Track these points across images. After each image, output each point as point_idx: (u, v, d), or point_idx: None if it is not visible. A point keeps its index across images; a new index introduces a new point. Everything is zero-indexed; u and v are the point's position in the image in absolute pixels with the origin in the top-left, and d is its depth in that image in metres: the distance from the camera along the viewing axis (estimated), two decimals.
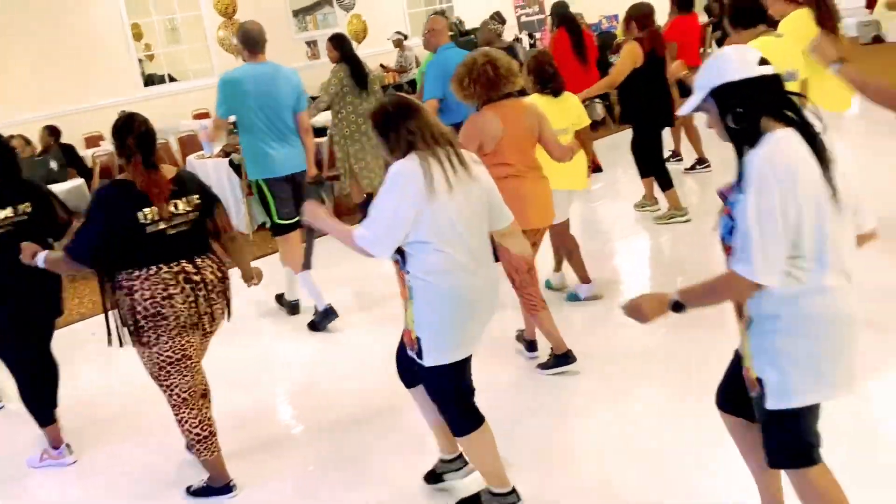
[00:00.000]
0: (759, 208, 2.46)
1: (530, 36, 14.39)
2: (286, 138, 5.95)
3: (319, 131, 8.41)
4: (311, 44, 13.33)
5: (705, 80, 2.61)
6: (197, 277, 3.80)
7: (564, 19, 9.33)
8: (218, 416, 4.11)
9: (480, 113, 4.55)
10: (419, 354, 3.36)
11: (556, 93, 5.55)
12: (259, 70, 5.87)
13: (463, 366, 3.46)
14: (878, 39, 15.46)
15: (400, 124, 3.30)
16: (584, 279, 5.88)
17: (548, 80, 5.54)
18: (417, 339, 3.35)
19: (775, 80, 2.58)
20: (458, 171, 3.29)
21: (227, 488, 4.07)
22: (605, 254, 6.91)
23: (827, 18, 5.82)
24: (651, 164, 7.35)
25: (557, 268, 6.10)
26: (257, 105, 5.81)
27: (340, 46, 7.52)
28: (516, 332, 5.25)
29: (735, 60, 2.57)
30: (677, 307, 2.63)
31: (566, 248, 5.84)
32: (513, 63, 4.53)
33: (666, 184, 7.29)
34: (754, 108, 2.55)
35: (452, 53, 6.60)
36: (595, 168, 9.37)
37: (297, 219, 5.98)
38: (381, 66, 12.95)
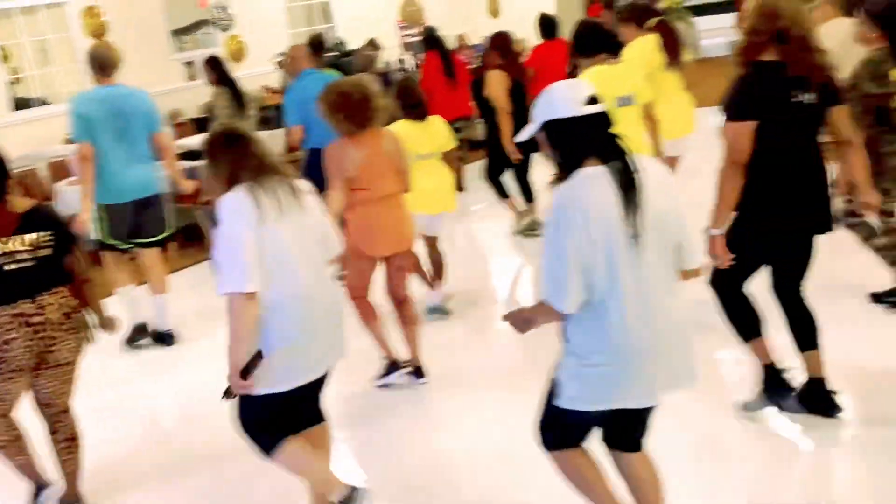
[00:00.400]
0: (551, 241, 2.69)
1: (415, 56, 14.45)
2: (139, 162, 5.85)
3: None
4: (190, 64, 13.05)
5: (538, 112, 2.78)
6: (37, 318, 3.60)
7: (433, 42, 9.42)
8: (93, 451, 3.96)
9: (339, 141, 4.57)
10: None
11: (421, 117, 5.59)
12: (109, 93, 5.76)
13: (297, 394, 3.39)
14: None
15: (227, 153, 3.26)
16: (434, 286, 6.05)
17: (414, 105, 5.56)
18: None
19: (601, 119, 2.72)
20: (288, 201, 3.25)
21: None
22: (485, 274, 7.00)
23: (671, 45, 6.06)
24: (494, 180, 7.61)
25: (433, 285, 6.12)
26: (108, 128, 5.70)
27: (216, 69, 7.40)
28: (402, 363, 5.22)
29: (563, 98, 2.73)
30: (534, 321, 2.93)
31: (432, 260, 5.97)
32: (377, 92, 4.60)
33: (502, 193, 7.62)
34: (578, 145, 2.71)
35: (312, 80, 6.61)
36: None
37: (133, 242, 5.96)
38: (264, 87, 12.78)
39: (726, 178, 3.73)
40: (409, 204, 4.98)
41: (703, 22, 19.93)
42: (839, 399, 4.05)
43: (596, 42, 5.34)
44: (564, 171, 2.73)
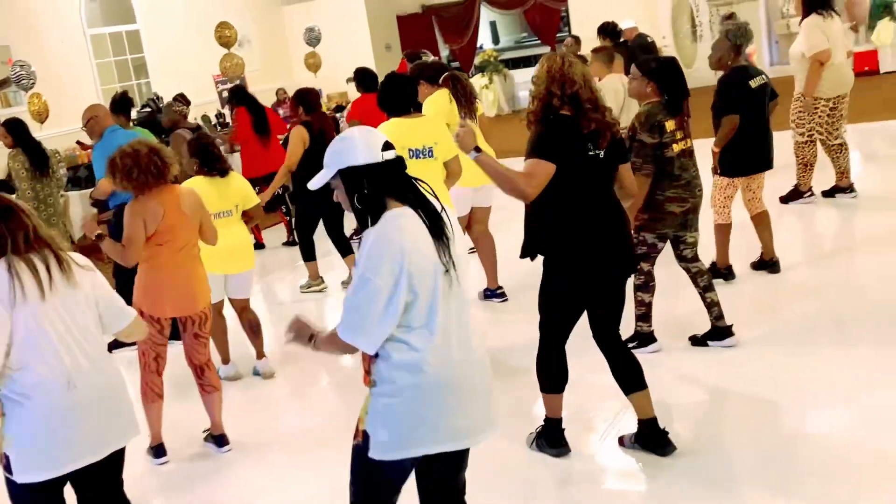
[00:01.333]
0: (363, 279, 2.70)
1: (232, 111, 14.25)
2: None
3: None
4: None
5: (332, 159, 2.80)
6: None
7: (243, 99, 9.36)
8: None
9: (139, 200, 4.48)
10: (7, 468, 3.09)
11: (222, 173, 5.51)
12: None
13: (59, 485, 3.20)
14: None
15: None
16: (224, 359, 5.83)
17: (212, 162, 5.48)
18: (5, 454, 3.08)
19: (397, 164, 2.80)
20: (56, 278, 3.07)
21: None
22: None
23: (462, 98, 6.29)
24: (304, 240, 7.50)
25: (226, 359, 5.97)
26: None
27: (14, 131, 7.07)
28: (203, 431, 5.06)
29: (359, 146, 2.76)
30: (314, 343, 2.94)
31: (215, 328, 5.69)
32: (168, 151, 4.57)
33: (308, 255, 7.49)
34: (377, 190, 2.76)
35: (116, 137, 6.41)
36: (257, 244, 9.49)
37: None
38: (78, 142, 12.30)
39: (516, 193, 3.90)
40: (206, 263, 4.88)
41: (519, 75, 20.72)
42: (671, 437, 4.20)
43: (401, 102, 5.46)
44: (365, 216, 2.77)
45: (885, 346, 4.92)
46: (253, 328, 5.86)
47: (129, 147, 4.50)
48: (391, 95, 5.45)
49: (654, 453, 4.16)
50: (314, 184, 2.86)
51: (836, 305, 5.67)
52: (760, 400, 4.62)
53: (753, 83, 5.95)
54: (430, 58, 11.17)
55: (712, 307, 5.22)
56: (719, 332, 5.21)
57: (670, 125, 4.86)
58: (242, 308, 5.86)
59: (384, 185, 2.76)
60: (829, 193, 7.84)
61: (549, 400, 4.26)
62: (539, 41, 21.04)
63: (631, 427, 4.29)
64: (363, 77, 9.11)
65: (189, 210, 4.64)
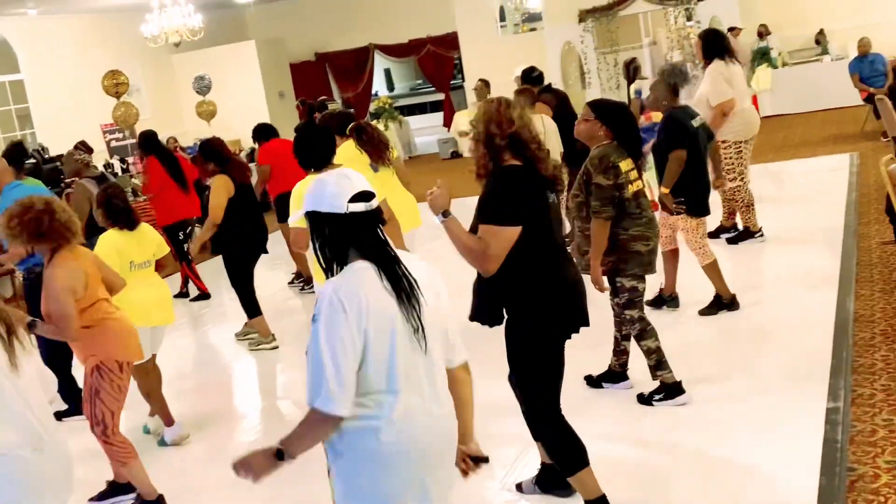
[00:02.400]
0: (329, 338, 2.48)
1: (122, 161, 13.95)
2: None
3: None
4: None
5: (305, 199, 2.68)
6: None
7: (152, 147, 9.12)
8: None
9: (61, 265, 4.26)
10: None
11: (131, 225, 5.32)
12: None
13: None
14: (455, 154, 16.89)
15: None
16: (168, 421, 5.46)
17: (119, 214, 5.29)
18: None
19: (365, 217, 2.63)
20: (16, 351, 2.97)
21: None
22: (206, 386, 6.69)
23: (369, 147, 6.23)
24: (243, 292, 7.18)
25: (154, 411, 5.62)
26: None
27: None
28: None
29: (327, 193, 2.63)
30: (281, 456, 2.55)
31: (147, 387, 5.45)
32: (68, 209, 4.38)
33: (253, 311, 7.17)
34: (339, 240, 2.63)
35: (19, 191, 6.12)
36: (203, 295, 9.24)
37: None
38: None
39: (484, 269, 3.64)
40: (133, 318, 4.70)
41: (415, 121, 20.91)
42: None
43: (321, 157, 5.18)
44: (329, 264, 2.66)
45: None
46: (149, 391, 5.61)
47: (22, 207, 4.25)
48: (307, 152, 5.23)
49: (556, 495, 4.12)
50: (291, 220, 2.76)
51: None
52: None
53: (694, 122, 6.07)
54: (337, 106, 11.19)
55: (621, 355, 5.20)
56: (615, 375, 5.23)
57: (624, 165, 4.81)
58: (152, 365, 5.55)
59: (347, 238, 2.62)
60: (714, 234, 7.91)
61: (581, 481, 3.74)
62: (433, 88, 21.32)
63: (528, 472, 4.25)
64: (262, 131, 9.16)
65: (92, 266, 4.46)
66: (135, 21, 13.96)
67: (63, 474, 3.10)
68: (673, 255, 6.39)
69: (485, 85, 11.58)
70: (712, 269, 6.18)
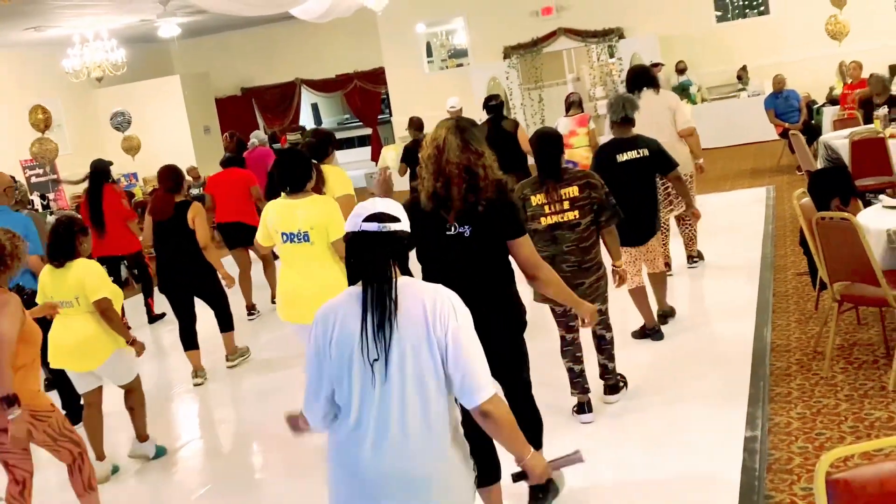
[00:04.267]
0: (307, 352, 2.71)
1: (42, 197, 13.66)
2: None
3: None
4: None
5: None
6: None
7: (106, 175, 8.99)
8: None
9: (7, 302, 4.16)
10: None
11: (59, 264, 5.19)
12: None
13: None
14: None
15: None
16: (99, 455, 5.47)
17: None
18: None
19: (374, 237, 2.68)
20: None
21: None
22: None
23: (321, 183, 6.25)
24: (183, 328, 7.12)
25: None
26: None
27: None
28: None
29: (354, 213, 2.73)
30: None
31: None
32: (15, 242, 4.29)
33: (188, 344, 7.09)
34: (351, 260, 2.73)
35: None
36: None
37: None
38: None
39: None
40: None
41: (343, 156, 20.88)
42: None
43: (299, 181, 5.18)
44: (349, 279, 2.75)
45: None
46: (129, 410, 5.58)
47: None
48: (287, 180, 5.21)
49: None
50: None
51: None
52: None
53: (622, 157, 6.03)
54: (262, 138, 11.13)
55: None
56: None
57: (536, 199, 4.90)
58: (125, 392, 5.54)
59: (355, 257, 2.71)
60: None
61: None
62: (360, 123, 21.35)
63: None
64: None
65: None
66: (56, 56, 13.74)
67: None
68: (641, 292, 6.25)
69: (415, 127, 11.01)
70: (640, 295, 6.25)
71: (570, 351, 5.16)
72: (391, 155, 14.93)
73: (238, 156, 9.62)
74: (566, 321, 5.11)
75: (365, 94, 19.98)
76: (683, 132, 7.45)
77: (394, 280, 2.65)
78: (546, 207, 4.87)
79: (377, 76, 19.22)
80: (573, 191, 4.90)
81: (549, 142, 4.97)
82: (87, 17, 12.81)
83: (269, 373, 7.13)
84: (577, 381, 5.15)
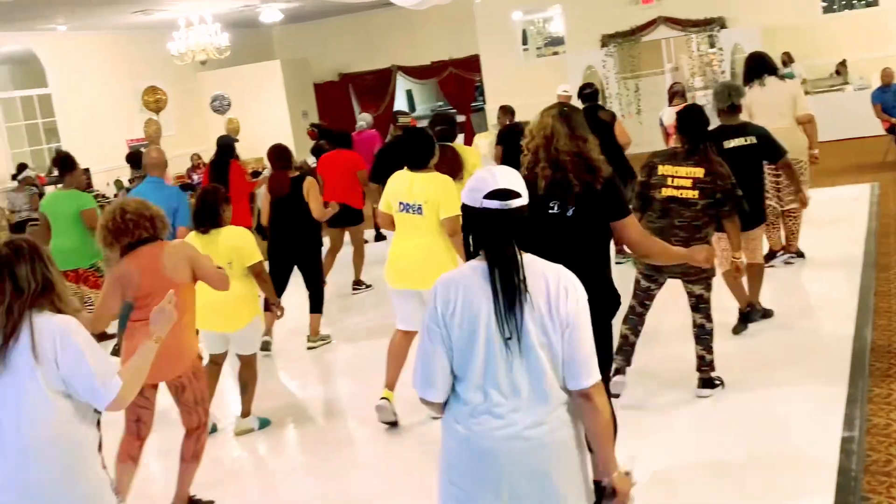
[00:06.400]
0: (424, 326, 2.66)
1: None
2: None
3: None
4: None
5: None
6: None
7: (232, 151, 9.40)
8: None
9: (117, 265, 4.38)
10: None
11: (205, 230, 5.50)
12: None
13: None
14: None
15: None
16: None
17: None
18: None
19: (496, 215, 2.62)
20: None
21: None
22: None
23: (451, 164, 6.45)
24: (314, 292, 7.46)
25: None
26: None
27: None
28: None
29: (470, 187, 2.68)
30: None
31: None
32: (144, 208, 4.39)
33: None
34: (471, 234, 2.70)
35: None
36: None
37: None
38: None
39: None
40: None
41: None
42: None
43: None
44: (467, 254, 2.73)
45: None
46: (241, 385, 5.76)
47: (109, 209, 4.47)
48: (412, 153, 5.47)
49: None
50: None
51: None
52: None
53: (729, 143, 6.07)
54: (369, 121, 11.41)
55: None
56: None
57: (662, 169, 5.12)
58: (242, 364, 5.73)
59: (473, 231, 2.68)
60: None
61: None
62: (454, 110, 21.41)
63: None
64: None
65: (172, 265, 4.43)
66: (162, 39, 14.14)
67: None
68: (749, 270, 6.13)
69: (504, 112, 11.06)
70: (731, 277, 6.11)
71: (634, 321, 5.30)
72: (484, 143, 14.93)
73: (346, 134, 9.81)
74: (644, 297, 5.25)
75: (459, 82, 20.00)
76: (802, 118, 7.40)
77: (520, 261, 2.62)
78: (668, 180, 4.94)
79: (472, 64, 19.22)
80: (699, 171, 5.00)
81: (696, 117, 5.24)
82: (193, 1, 13.13)
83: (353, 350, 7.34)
84: (626, 350, 5.26)
